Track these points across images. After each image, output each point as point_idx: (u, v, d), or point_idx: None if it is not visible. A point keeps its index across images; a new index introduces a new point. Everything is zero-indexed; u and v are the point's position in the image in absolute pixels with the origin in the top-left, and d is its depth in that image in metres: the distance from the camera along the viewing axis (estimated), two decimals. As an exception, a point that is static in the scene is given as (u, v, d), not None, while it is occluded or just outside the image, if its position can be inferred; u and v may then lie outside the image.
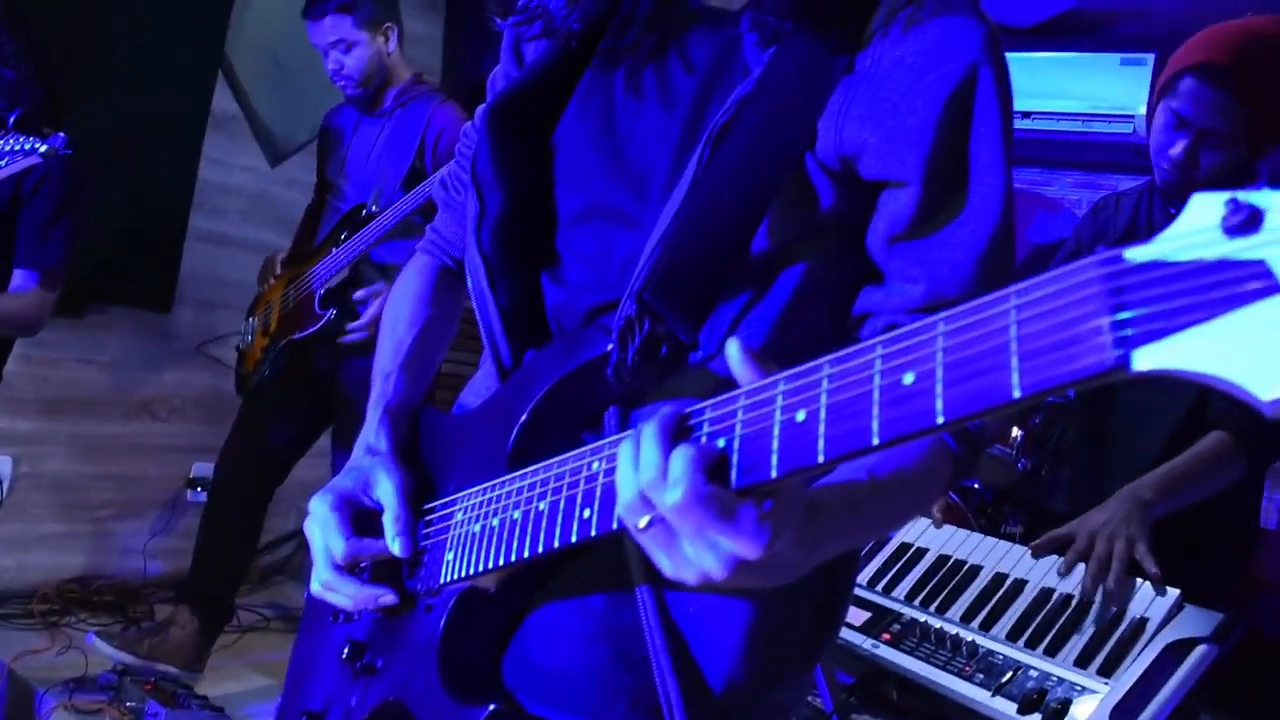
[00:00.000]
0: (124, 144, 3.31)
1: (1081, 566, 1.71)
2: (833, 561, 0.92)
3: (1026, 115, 3.58)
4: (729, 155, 0.84)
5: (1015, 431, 3.12)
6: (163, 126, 3.46)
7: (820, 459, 0.56)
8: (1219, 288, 0.39)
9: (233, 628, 3.16)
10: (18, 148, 2.12)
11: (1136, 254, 0.42)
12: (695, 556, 0.64)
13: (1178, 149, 1.85)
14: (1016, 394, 0.46)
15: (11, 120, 2.30)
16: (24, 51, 2.52)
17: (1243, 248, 0.39)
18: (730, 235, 0.84)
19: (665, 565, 0.67)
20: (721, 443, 0.62)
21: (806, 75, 0.85)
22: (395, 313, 1.16)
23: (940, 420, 0.50)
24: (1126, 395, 2.06)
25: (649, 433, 0.64)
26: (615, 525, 0.71)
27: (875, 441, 0.53)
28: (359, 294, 2.85)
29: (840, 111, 0.85)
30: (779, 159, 0.85)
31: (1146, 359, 0.41)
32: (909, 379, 0.51)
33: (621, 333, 0.84)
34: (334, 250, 2.94)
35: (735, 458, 0.61)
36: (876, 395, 0.53)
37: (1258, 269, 0.38)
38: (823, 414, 0.56)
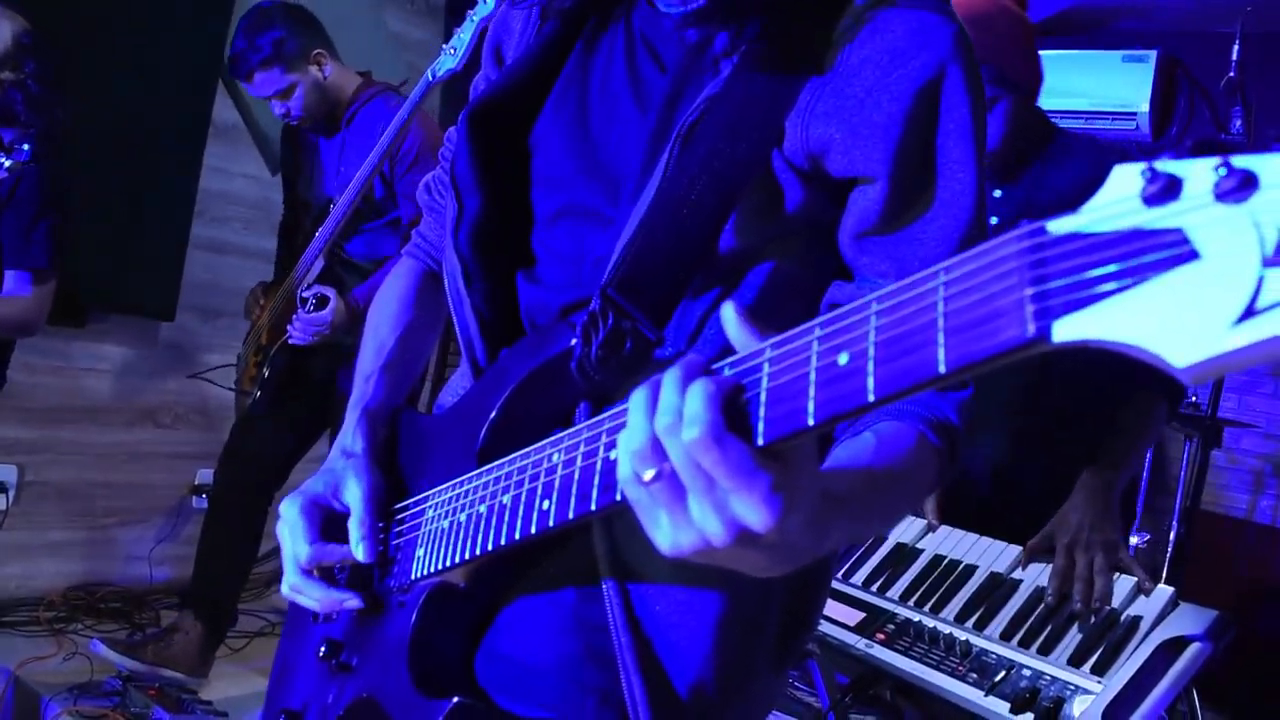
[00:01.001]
0: (126, 153, 3.34)
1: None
2: (804, 568, 0.92)
3: (1026, 114, 3.57)
4: (697, 153, 0.85)
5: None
6: (164, 136, 3.48)
7: (760, 441, 0.56)
8: (1137, 256, 0.39)
9: (236, 633, 3.17)
10: None
11: (1058, 226, 0.42)
12: (700, 517, 0.60)
13: None
14: (941, 369, 0.46)
15: None
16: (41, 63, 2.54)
17: (1160, 216, 0.39)
18: (697, 233, 0.85)
19: (664, 530, 0.63)
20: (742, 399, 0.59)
21: (775, 75, 0.85)
22: (379, 315, 1.16)
23: (871, 398, 0.50)
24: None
25: (671, 375, 0.61)
26: (572, 515, 0.71)
27: (810, 423, 0.53)
28: (309, 291, 2.82)
29: (808, 109, 0.85)
30: (747, 157, 0.85)
31: (1066, 330, 0.41)
32: (843, 359, 0.52)
33: (585, 327, 0.84)
34: (307, 250, 2.97)
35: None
36: (813, 376, 0.53)
37: (1175, 237, 0.38)
38: (763, 397, 0.56)
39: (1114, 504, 1.76)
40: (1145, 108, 3.58)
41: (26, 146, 2.16)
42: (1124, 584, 1.65)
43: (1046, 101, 3.63)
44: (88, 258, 3.19)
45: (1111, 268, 0.39)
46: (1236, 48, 2.86)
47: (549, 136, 1.00)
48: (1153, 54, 3.53)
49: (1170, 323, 0.37)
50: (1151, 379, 1.83)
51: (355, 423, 1.07)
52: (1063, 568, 1.69)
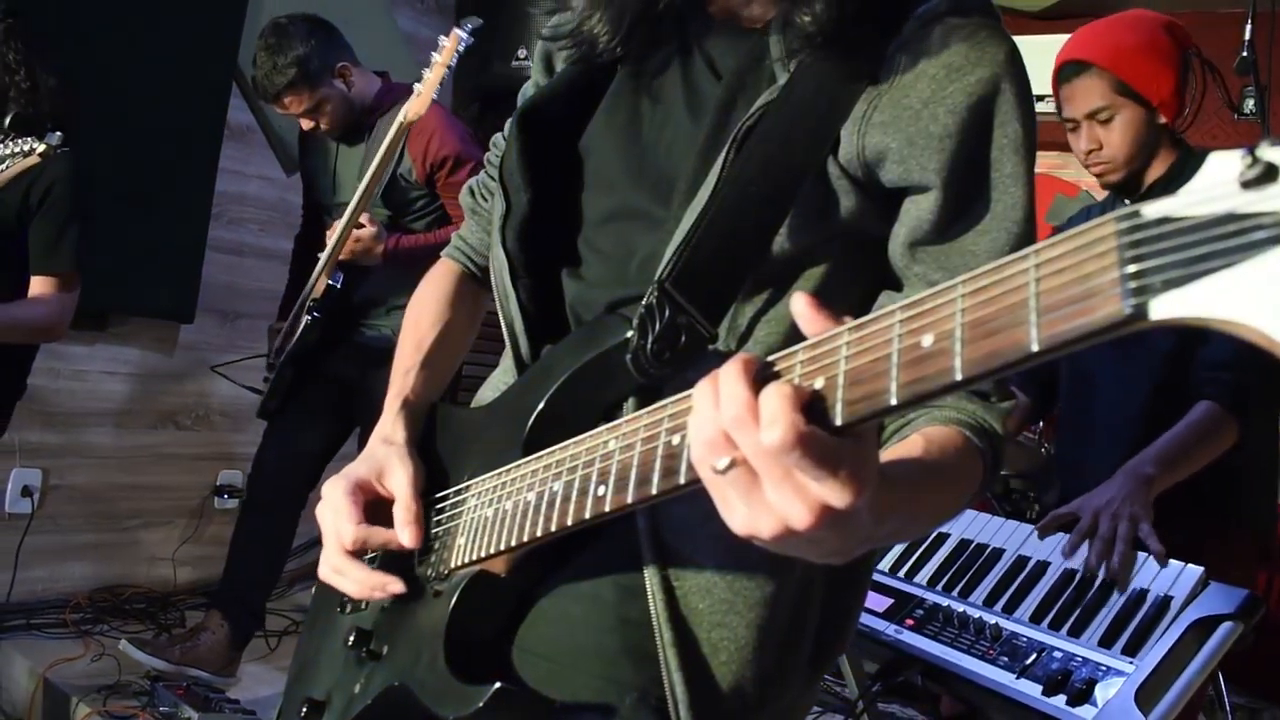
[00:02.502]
0: (142, 158, 3.35)
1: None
2: (844, 568, 0.93)
3: (1041, 98, 3.56)
4: (752, 157, 0.86)
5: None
6: (179, 139, 3.49)
7: (838, 422, 0.57)
8: (1235, 237, 0.40)
9: (262, 633, 3.18)
10: (15, 150, 2.13)
11: (1153, 209, 0.44)
12: (780, 503, 0.60)
13: (1081, 144, 2.01)
14: (1035, 348, 0.47)
15: (7, 123, 2.31)
16: (29, 66, 2.50)
17: (1258, 199, 0.40)
18: (751, 234, 0.86)
19: (739, 514, 0.63)
20: (820, 382, 0.59)
21: (831, 84, 0.87)
22: (418, 313, 1.18)
23: (959, 378, 0.51)
24: (1102, 374, 2.08)
25: (728, 370, 0.61)
26: (631, 500, 0.71)
27: (893, 402, 0.54)
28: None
29: (863, 118, 0.87)
30: (801, 163, 0.86)
31: (1163, 308, 0.42)
32: (928, 340, 0.52)
33: (642, 319, 0.84)
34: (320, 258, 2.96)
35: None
36: (896, 358, 0.54)
37: (1273, 219, 0.39)
38: (841, 379, 0.57)
39: (1146, 491, 1.75)
40: (1156, 91, 3.58)
41: (59, 132, 2.12)
42: (1153, 567, 1.66)
43: (1058, 87, 3.63)
44: (107, 262, 3.20)
45: (1209, 247, 0.41)
46: (1249, 27, 2.85)
47: (600, 140, 1.02)
48: (1163, 37, 3.52)
49: (1270, 298, 0.38)
50: (1229, 398, 1.85)
51: (395, 414, 1.08)
52: (1085, 528, 1.71)
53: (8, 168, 2.12)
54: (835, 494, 0.58)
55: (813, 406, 0.58)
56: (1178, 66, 2.00)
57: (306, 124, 2.96)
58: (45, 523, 3.35)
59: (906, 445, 0.82)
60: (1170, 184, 1.96)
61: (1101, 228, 0.45)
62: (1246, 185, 0.40)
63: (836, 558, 0.66)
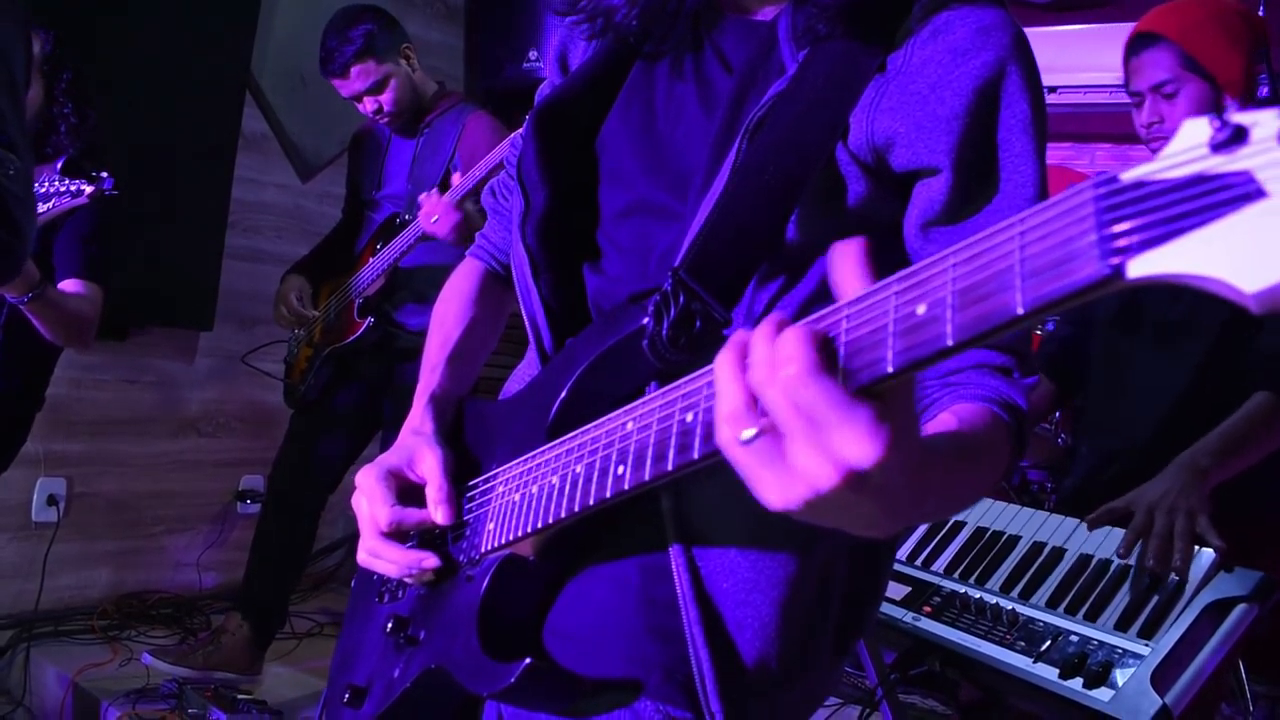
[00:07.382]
0: (158, 168, 3.39)
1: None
2: (865, 550, 0.93)
3: (1053, 90, 3.58)
4: (764, 147, 0.88)
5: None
6: (194, 149, 3.54)
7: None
8: (1207, 197, 0.42)
9: (286, 634, 3.22)
10: (64, 190, 2.16)
11: (1130, 174, 0.45)
12: (805, 464, 0.58)
13: (1143, 117, 2.02)
14: (1020, 310, 0.49)
15: (60, 164, 2.36)
16: (77, 99, 2.56)
17: (1228, 160, 0.42)
18: (765, 222, 0.88)
19: (770, 488, 0.61)
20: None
21: (840, 73, 0.89)
22: (444, 311, 1.20)
23: (950, 343, 0.52)
24: (1141, 361, 2.07)
25: (759, 331, 0.60)
26: (648, 477, 0.73)
27: (889, 370, 0.55)
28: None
29: (872, 104, 0.89)
30: (812, 150, 0.88)
31: (1139, 267, 0.44)
32: (921, 309, 0.54)
33: (658, 306, 0.87)
34: (370, 260, 3.01)
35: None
36: (891, 327, 0.55)
37: (1243, 178, 0.41)
38: (842, 351, 0.58)
39: (1202, 484, 1.71)
40: (1168, 79, 3.58)
41: (106, 175, 2.14)
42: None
43: (1069, 78, 3.64)
44: (126, 272, 3.23)
45: (1183, 208, 0.42)
46: (1260, 13, 2.85)
47: (616, 137, 1.04)
48: (1173, 25, 3.52)
49: (1239, 254, 0.40)
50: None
51: (423, 407, 1.10)
52: (1140, 524, 1.67)
53: (54, 207, 2.16)
54: (856, 447, 0.57)
55: (825, 347, 0.58)
56: (1249, 51, 1.98)
57: (371, 104, 2.97)
58: (71, 531, 3.40)
59: (937, 423, 0.82)
60: None
61: (1081, 194, 0.47)
62: (1217, 148, 0.42)
63: (881, 527, 0.65)
